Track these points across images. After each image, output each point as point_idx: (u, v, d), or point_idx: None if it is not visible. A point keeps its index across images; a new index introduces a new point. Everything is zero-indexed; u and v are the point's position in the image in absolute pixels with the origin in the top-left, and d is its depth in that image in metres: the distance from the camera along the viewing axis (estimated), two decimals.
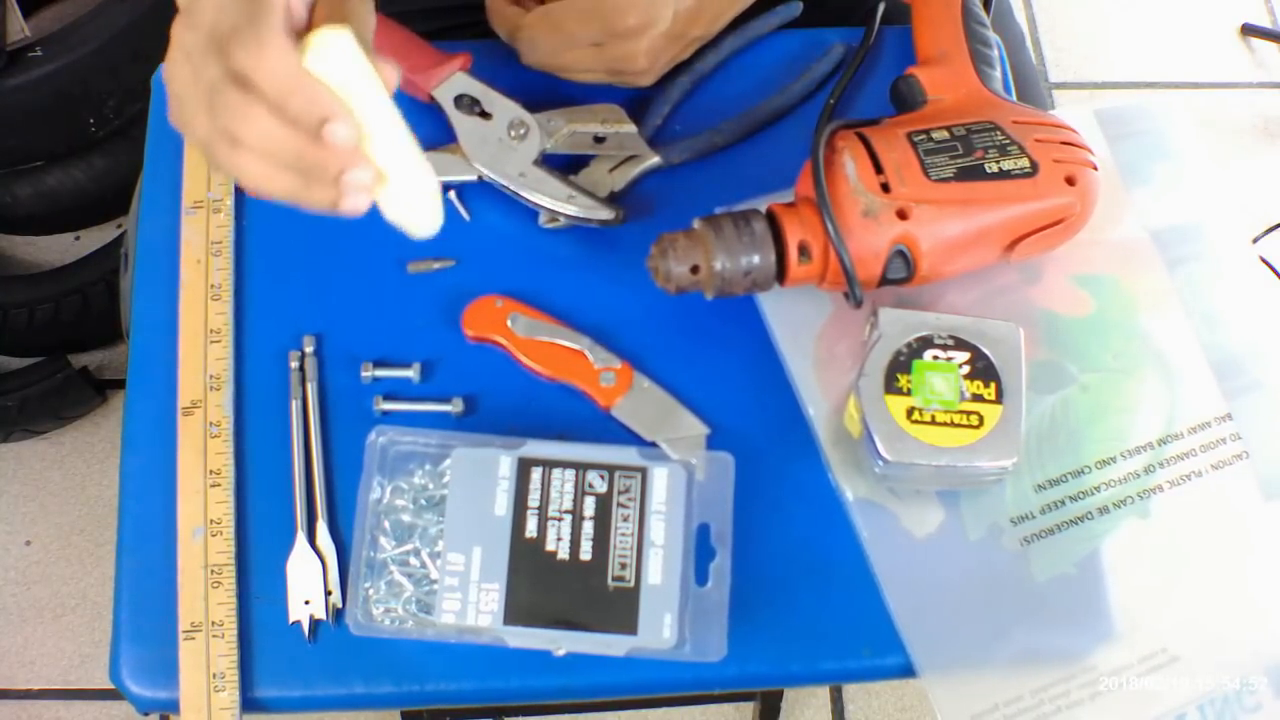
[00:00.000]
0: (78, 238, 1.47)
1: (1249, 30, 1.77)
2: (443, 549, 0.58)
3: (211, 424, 0.63)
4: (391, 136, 0.49)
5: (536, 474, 0.59)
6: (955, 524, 0.62)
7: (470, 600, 0.57)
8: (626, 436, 0.63)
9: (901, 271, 0.62)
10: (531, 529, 0.58)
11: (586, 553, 0.58)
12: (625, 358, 0.65)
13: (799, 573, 0.62)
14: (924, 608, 0.61)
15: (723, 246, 0.61)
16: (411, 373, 0.65)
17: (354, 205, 0.49)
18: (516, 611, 0.57)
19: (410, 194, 0.51)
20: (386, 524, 0.60)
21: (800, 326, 0.66)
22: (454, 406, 0.64)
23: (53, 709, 1.27)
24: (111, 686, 0.59)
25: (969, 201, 0.61)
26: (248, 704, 0.58)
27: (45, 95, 1.24)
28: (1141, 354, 0.67)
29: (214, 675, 0.58)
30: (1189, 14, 1.79)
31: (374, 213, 0.69)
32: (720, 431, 0.64)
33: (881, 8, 0.74)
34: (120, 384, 1.39)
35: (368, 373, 0.65)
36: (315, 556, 0.61)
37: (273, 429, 0.64)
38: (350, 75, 0.48)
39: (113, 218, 1.46)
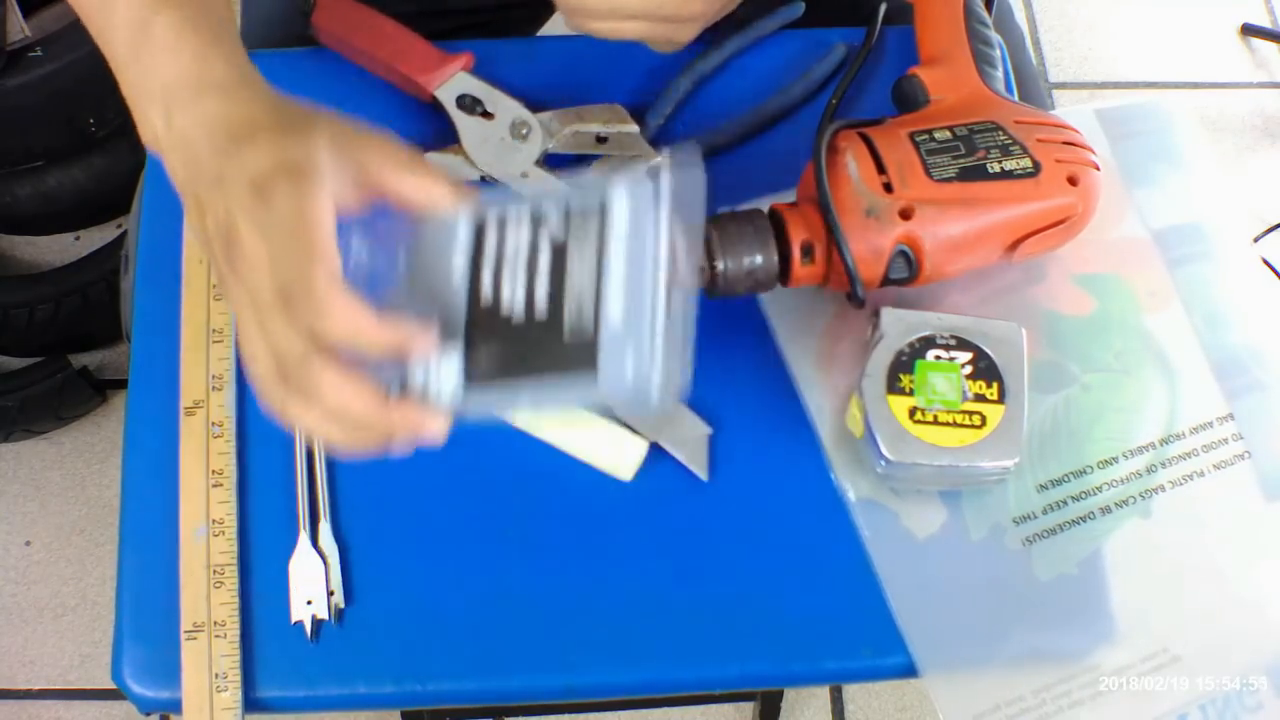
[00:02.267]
0: (78, 238, 1.47)
1: (1249, 30, 1.77)
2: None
3: (214, 424, 0.63)
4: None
5: (491, 234, 0.53)
6: (957, 524, 0.63)
7: (432, 371, 0.51)
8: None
9: (904, 271, 0.62)
10: (487, 293, 0.52)
11: (543, 309, 0.51)
12: None
13: (800, 572, 0.62)
14: (926, 607, 0.61)
15: (725, 247, 0.61)
16: None
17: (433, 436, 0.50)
18: (476, 375, 0.51)
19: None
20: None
21: (802, 326, 0.66)
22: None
23: (53, 709, 1.27)
24: (112, 686, 0.59)
25: (971, 201, 0.61)
26: (250, 704, 0.58)
27: (45, 95, 1.24)
28: (1143, 354, 0.67)
29: (216, 675, 0.58)
30: (1189, 14, 1.79)
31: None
32: (722, 431, 0.64)
33: (883, 8, 0.74)
34: (120, 384, 1.40)
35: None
36: (318, 556, 0.61)
37: (275, 429, 0.63)
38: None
39: (113, 218, 1.46)
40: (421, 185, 0.50)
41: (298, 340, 0.47)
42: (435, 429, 0.50)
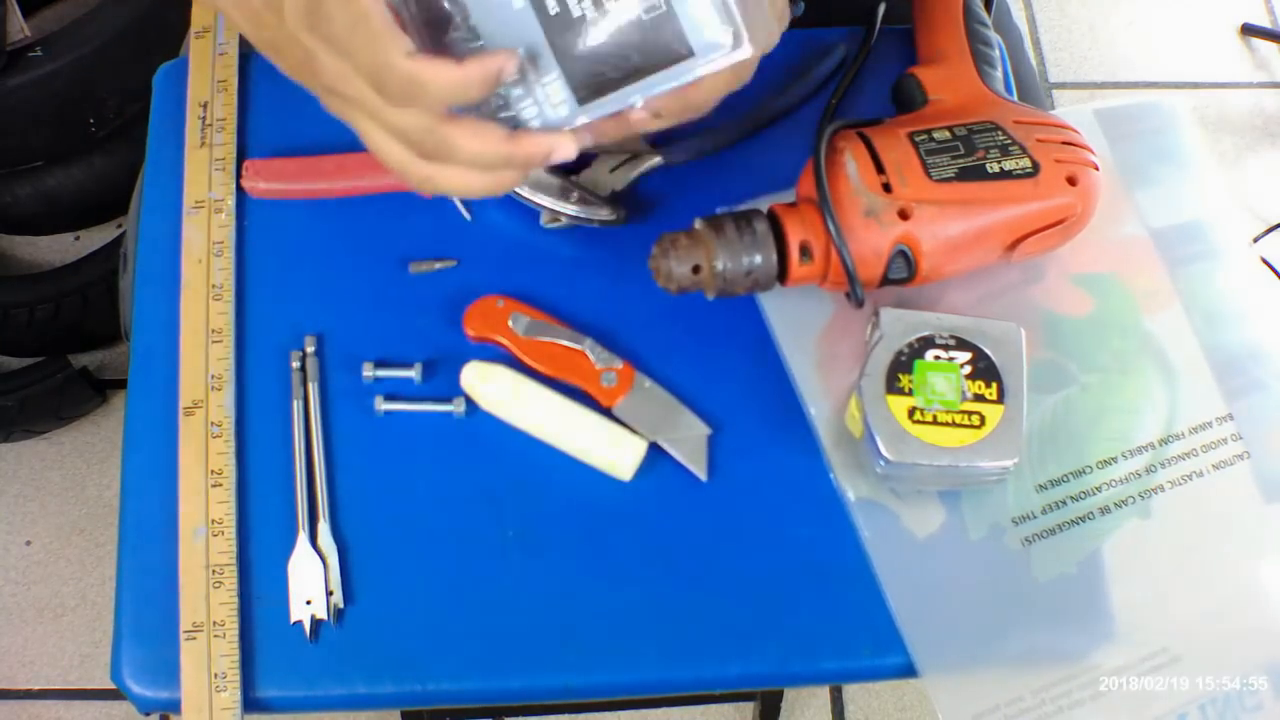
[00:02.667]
0: (78, 238, 1.47)
1: (1249, 30, 1.77)
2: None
3: (213, 424, 0.63)
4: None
5: None
6: (957, 524, 0.63)
7: (540, 100, 0.53)
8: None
9: (903, 271, 0.62)
10: (551, 3, 0.51)
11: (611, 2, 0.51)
12: (626, 358, 0.65)
13: (800, 573, 0.62)
14: (925, 608, 0.61)
15: (724, 246, 0.61)
16: (413, 373, 0.65)
17: (563, 153, 0.52)
18: (581, 89, 0.52)
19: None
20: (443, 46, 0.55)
21: (802, 326, 0.66)
22: (456, 407, 0.64)
23: (53, 709, 1.27)
24: (112, 686, 0.59)
25: (970, 201, 0.61)
26: (249, 704, 0.58)
27: (45, 95, 1.24)
28: (1142, 354, 0.67)
29: (215, 675, 0.58)
30: (1189, 14, 1.79)
31: (375, 213, 0.69)
32: (722, 431, 0.64)
33: (882, 8, 0.74)
34: (120, 384, 1.40)
35: (369, 373, 0.65)
36: (317, 556, 0.61)
37: (274, 429, 0.64)
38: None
39: (113, 218, 1.46)
40: None
41: (416, 118, 0.49)
42: (565, 148, 0.52)
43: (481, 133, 0.50)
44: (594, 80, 0.52)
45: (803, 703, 1.29)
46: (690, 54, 0.50)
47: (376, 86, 0.49)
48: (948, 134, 0.63)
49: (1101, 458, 0.64)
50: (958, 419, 0.60)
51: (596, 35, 0.51)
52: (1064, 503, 0.63)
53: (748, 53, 0.49)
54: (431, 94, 0.48)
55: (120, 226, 1.46)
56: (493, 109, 0.53)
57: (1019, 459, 0.60)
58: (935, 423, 0.60)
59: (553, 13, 0.51)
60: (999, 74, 0.69)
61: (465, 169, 0.52)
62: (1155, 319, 0.68)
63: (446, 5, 0.52)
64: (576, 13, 0.51)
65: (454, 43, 0.52)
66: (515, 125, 0.53)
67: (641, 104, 0.52)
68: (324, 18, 0.48)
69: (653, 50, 0.50)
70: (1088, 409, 0.65)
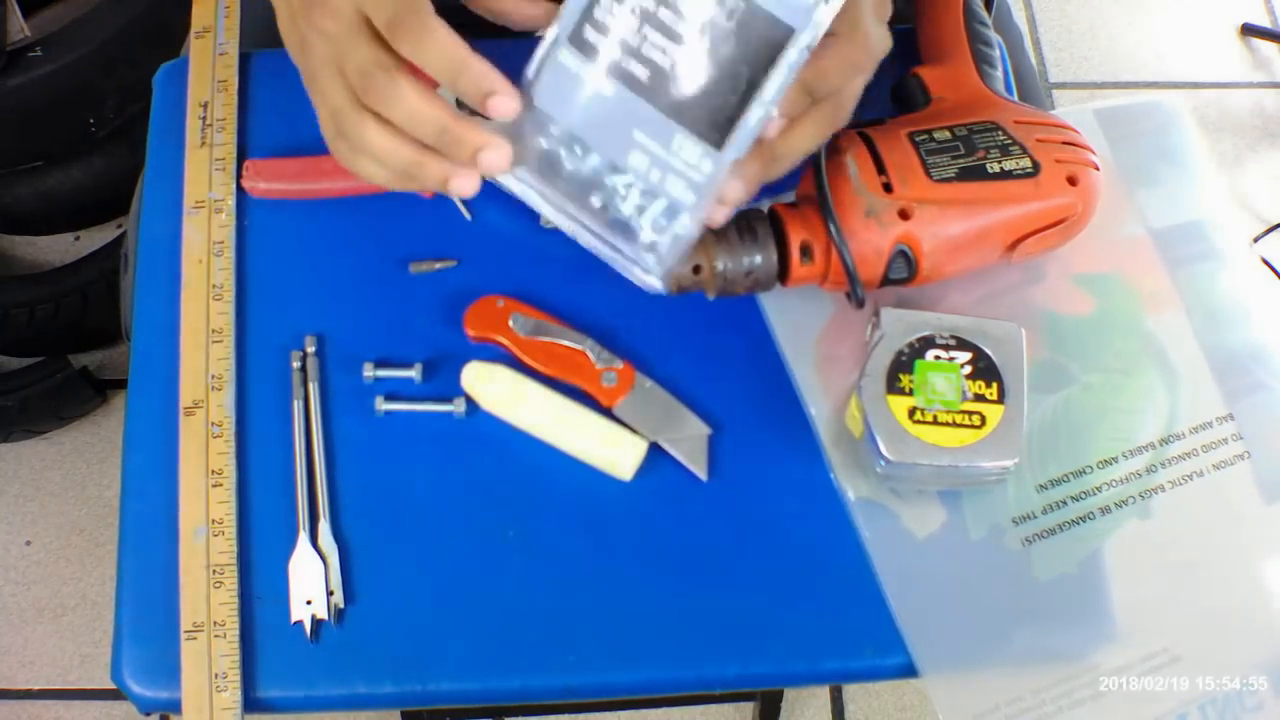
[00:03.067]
0: (78, 238, 1.47)
1: (1249, 30, 1.77)
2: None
3: (213, 424, 0.63)
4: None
5: None
6: (957, 524, 0.63)
7: (680, 169, 0.50)
8: None
9: (903, 271, 0.62)
10: (639, 71, 0.49)
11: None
12: (627, 358, 0.65)
13: (800, 573, 0.62)
14: (925, 607, 0.61)
15: (724, 246, 0.61)
16: (413, 373, 0.65)
17: (464, 187, 0.52)
18: (713, 134, 0.49)
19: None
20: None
21: (802, 326, 0.66)
22: (456, 407, 0.64)
23: (53, 709, 1.27)
24: (112, 686, 0.59)
25: (971, 201, 0.61)
26: (249, 704, 0.58)
27: (45, 95, 1.24)
28: (1143, 354, 0.67)
29: (216, 675, 0.58)
30: (1189, 14, 1.79)
31: (375, 213, 0.69)
32: (722, 431, 0.64)
33: None
34: (120, 384, 1.40)
35: (369, 373, 0.65)
36: (317, 556, 0.61)
37: (274, 429, 0.64)
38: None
39: (113, 218, 1.46)
40: None
41: (382, 55, 0.49)
42: (498, 158, 0.50)
43: (431, 98, 0.49)
44: (718, 117, 0.49)
45: (803, 703, 1.29)
46: (790, 30, 0.47)
47: (391, 20, 0.48)
48: (948, 134, 0.63)
49: (1102, 458, 0.64)
50: (958, 419, 0.60)
51: (695, 72, 0.48)
52: (1064, 503, 0.63)
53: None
54: (431, 50, 0.48)
55: (120, 226, 1.46)
56: (638, 199, 0.51)
57: (1019, 459, 0.60)
58: (935, 423, 0.60)
59: (645, 80, 0.49)
60: (999, 74, 0.69)
61: (397, 131, 0.50)
62: (1156, 319, 0.68)
63: (553, 130, 0.51)
64: (665, 64, 0.48)
65: (565, 163, 0.51)
66: (671, 209, 0.51)
67: (776, 115, 0.49)
68: None
69: (755, 51, 0.47)
70: (1088, 409, 0.65)
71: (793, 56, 0.47)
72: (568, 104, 0.50)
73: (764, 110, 0.48)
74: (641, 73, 0.48)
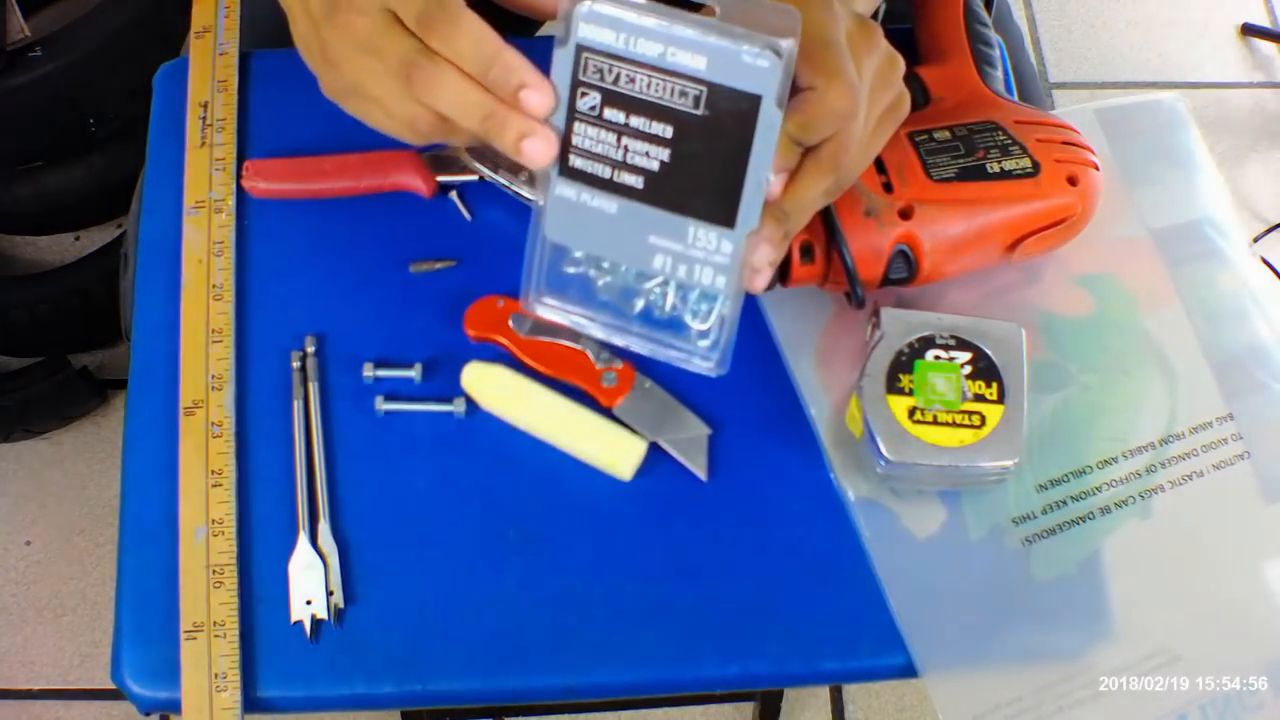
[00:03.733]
0: (78, 238, 1.47)
1: (1249, 30, 1.77)
2: None
3: (213, 424, 0.63)
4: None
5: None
6: (957, 524, 0.63)
7: (700, 257, 0.51)
8: None
9: (903, 271, 0.62)
10: (631, 180, 0.50)
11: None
12: (627, 358, 0.65)
13: (800, 572, 0.62)
14: (925, 607, 0.61)
15: None
16: (413, 373, 0.65)
17: (538, 150, 0.50)
18: (723, 214, 0.50)
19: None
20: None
21: (802, 327, 0.66)
22: (456, 407, 0.64)
23: (53, 709, 1.27)
24: (112, 686, 0.59)
25: (971, 201, 0.61)
26: (249, 704, 0.58)
27: (45, 95, 1.24)
28: (1142, 354, 0.67)
29: (216, 675, 0.58)
30: (1189, 14, 1.79)
31: (375, 213, 0.69)
32: (722, 431, 0.64)
33: (882, 8, 0.74)
34: (120, 384, 1.40)
35: (369, 373, 0.65)
36: (317, 556, 0.61)
37: (274, 429, 0.64)
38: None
39: (113, 218, 1.46)
40: None
41: (420, 45, 0.49)
42: (538, 146, 0.49)
43: (474, 81, 0.49)
44: (721, 198, 0.49)
45: (803, 703, 1.29)
46: (757, 96, 0.47)
47: (420, 15, 0.48)
48: (948, 134, 0.63)
49: (1102, 458, 0.64)
50: (958, 419, 0.60)
51: (685, 165, 0.49)
52: (1064, 503, 0.63)
53: (792, 46, 0.46)
54: (462, 41, 0.48)
55: (120, 226, 1.46)
56: (674, 296, 0.52)
57: (1019, 459, 0.60)
58: (935, 423, 0.60)
59: (641, 186, 0.50)
60: (999, 74, 0.69)
61: (441, 106, 0.50)
62: (1155, 319, 0.68)
63: (576, 256, 0.53)
64: (654, 166, 0.49)
65: (597, 283, 0.53)
66: (707, 296, 0.52)
67: (773, 178, 0.50)
68: None
69: (732, 126, 0.48)
70: (1088, 409, 0.66)
71: (767, 119, 0.48)
72: (580, 231, 0.51)
73: (759, 177, 0.49)
74: (636, 181, 0.49)
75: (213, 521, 0.61)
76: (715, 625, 0.60)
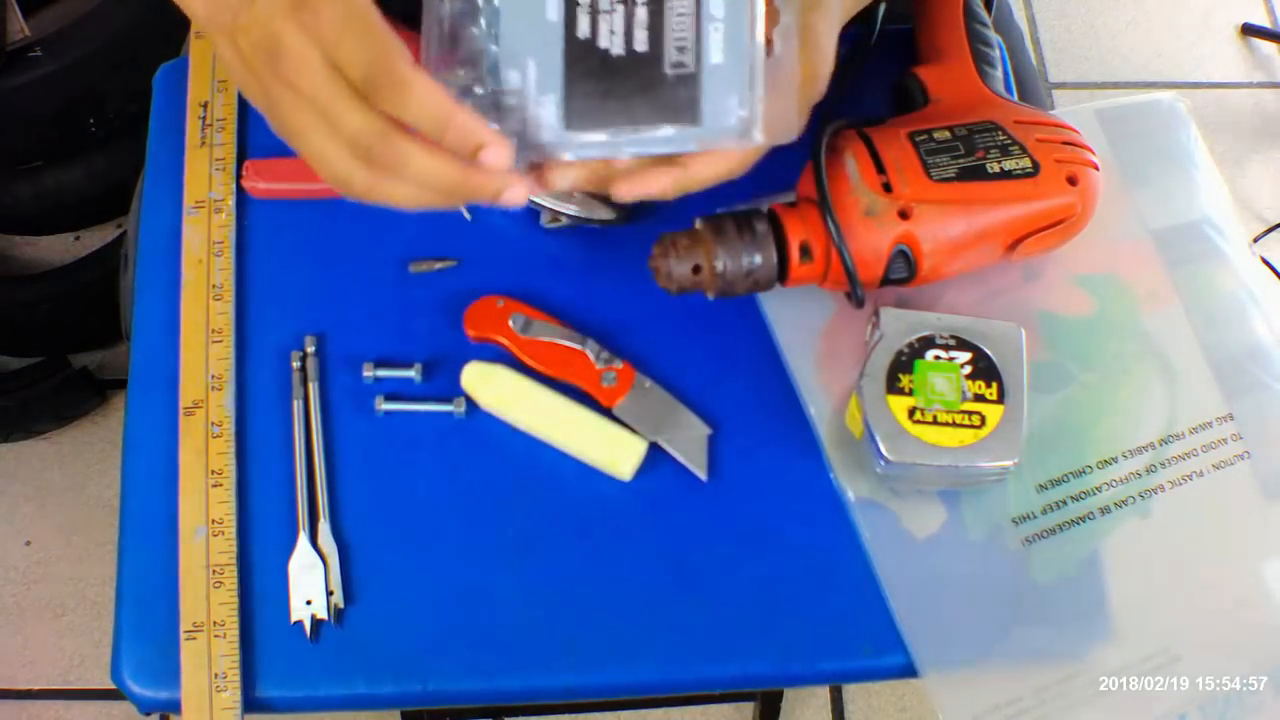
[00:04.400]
0: (78, 238, 1.47)
1: (1249, 30, 1.77)
2: (500, 68, 0.52)
3: (213, 424, 0.63)
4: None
5: None
6: (957, 524, 0.63)
7: (530, 118, 0.52)
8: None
9: (903, 271, 0.62)
10: (584, 28, 0.51)
11: (641, 43, 0.51)
12: (627, 358, 0.65)
13: (800, 572, 0.62)
14: (925, 607, 0.61)
15: (724, 246, 0.61)
16: (413, 373, 0.65)
17: (517, 196, 0.52)
18: (577, 117, 0.52)
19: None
20: (460, 49, 0.54)
21: (802, 326, 0.66)
22: (456, 406, 0.64)
23: (53, 709, 1.27)
24: (112, 686, 0.59)
25: (970, 201, 0.61)
26: (249, 704, 0.58)
27: (45, 95, 1.24)
28: (1142, 354, 0.67)
29: (216, 675, 0.58)
30: (1189, 14, 1.79)
31: (374, 213, 0.69)
32: (722, 431, 0.64)
33: (883, 7, 0.74)
34: (120, 384, 1.39)
35: (369, 373, 0.65)
36: (317, 556, 0.61)
37: (274, 429, 0.64)
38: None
39: (113, 218, 1.46)
40: None
41: (373, 122, 0.48)
42: (515, 193, 0.51)
43: (437, 154, 0.49)
44: (591, 116, 0.51)
45: (803, 703, 1.29)
46: (696, 123, 0.49)
47: (363, 78, 0.47)
48: (948, 134, 0.63)
49: (1102, 458, 0.64)
50: (958, 419, 0.60)
51: (613, 74, 0.50)
52: (1064, 503, 0.63)
53: (756, 142, 0.48)
54: (413, 108, 0.48)
55: (120, 226, 1.46)
56: (481, 108, 0.52)
57: (1019, 459, 0.60)
58: (935, 423, 0.60)
59: (581, 36, 0.50)
60: (999, 74, 0.69)
61: (409, 184, 0.50)
62: (1155, 319, 0.68)
63: (480, 2, 0.52)
64: (604, 44, 0.50)
65: (470, 41, 0.51)
66: (507, 134, 0.51)
67: (628, 158, 0.51)
68: (308, 4, 0.47)
69: (662, 106, 0.49)
70: (1088, 409, 0.65)
71: (682, 142, 0.50)
72: None
73: (625, 151, 0.51)
74: (584, 30, 0.51)
75: (213, 521, 0.61)
76: (715, 625, 0.60)
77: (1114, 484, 0.64)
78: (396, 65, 0.48)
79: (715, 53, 0.51)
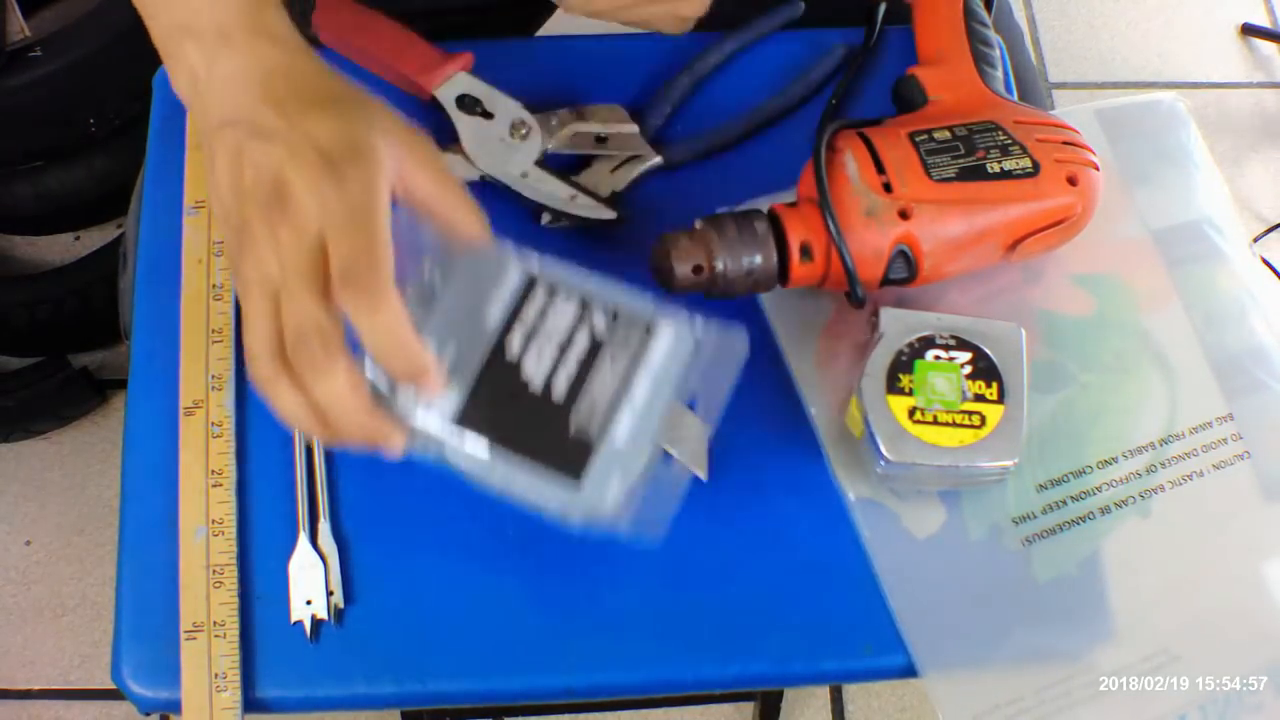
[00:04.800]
0: (78, 238, 1.47)
1: (1249, 30, 1.77)
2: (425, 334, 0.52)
3: (213, 424, 0.63)
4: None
5: (540, 294, 0.54)
6: (957, 524, 0.63)
7: (427, 402, 0.52)
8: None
9: (903, 271, 0.62)
10: (514, 348, 0.53)
11: (560, 391, 0.52)
12: None
13: (800, 572, 0.62)
14: (925, 607, 0.61)
15: (725, 247, 0.61)
16: None
17: (394, 452, 0.51)
18: (468, 417, 0.52)
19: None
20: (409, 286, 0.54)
21: (802, 327, 0.66)
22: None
23: (53, 709, 1.27)
24: (112, 686, 0.59)
25: (971, 201, 0.61)
26: (249, 704, 0.58)
27: (45, 95, 1.24)
28: (1142, 354, 0.67)
29: (216, 675, 0.58)
30: (1189, 14, 1.79)
31: None
32: (721, 431, 0.64)
33: (883, 8, 0.74)
34: (120, 384, 1.40)
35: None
36: (317, 556, 0.61)
37: (274, 429, 0.64)
38: None
39: (113, 218, 1.46)
40: (464, 213, 0.50)
41: (324, 317, 0.46)
42: (397, 447, 0.50)
43: (355, 379, 0.47)
44: (483, 426, 0.51)
45: (803, 703, 1.29)
46: (576, 488, 0.51)
47: (341, 268, 0.45)
48: (948, 134, 0.63)
49: (1102, 458, 0.64)
50: (958, 419, 0.60)
51: (520, 404, 0.51)
52: (1064, 503, 0.63)
53: (620, 530, 0.51)
54: (376, 322, 0.46)
55: (120, 226, 1.46)
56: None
57: (1019, 459, 0.60)
58: (935, 423, 0.60)
59: (506, 357, 0.52)
60: (999, 74, 0.69)
61: (309, 396, 0.47)
62: (1155, 319, 0.68)
63: (425, 263, 0.52)
64: (524, 378, 0.52)
65: (414, 286, 0.52)
66: (386, 384, 0.51)
67: (498, 481, 0.52)
68: (336, 173, 0.46)
69: (550, 454, 0.51)
70: (1088, 409, 0.66)
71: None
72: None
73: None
74: (513, 353, 0.53)
75: (213, 521, 0.61)
76: (715, 625, 0.60)
77: (1114, 484, 0.64)
78: (382, 271, 0.46)
79: (621, 435, 0.52)
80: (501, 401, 0.52)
